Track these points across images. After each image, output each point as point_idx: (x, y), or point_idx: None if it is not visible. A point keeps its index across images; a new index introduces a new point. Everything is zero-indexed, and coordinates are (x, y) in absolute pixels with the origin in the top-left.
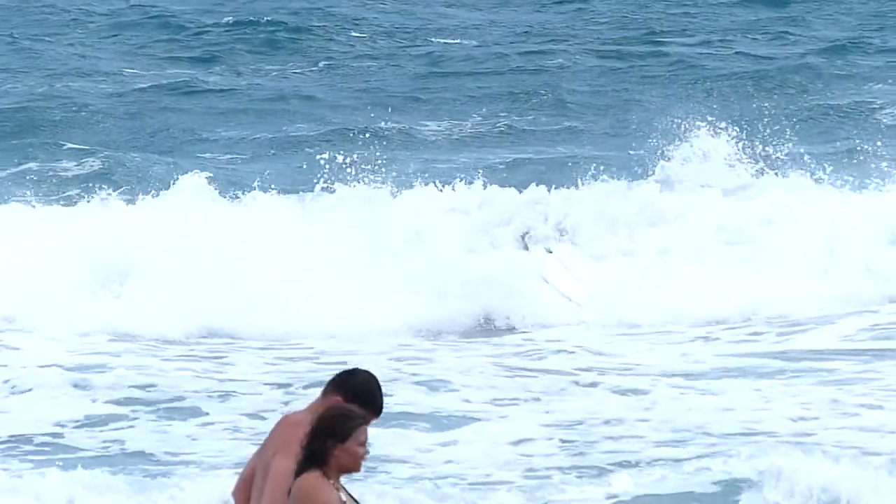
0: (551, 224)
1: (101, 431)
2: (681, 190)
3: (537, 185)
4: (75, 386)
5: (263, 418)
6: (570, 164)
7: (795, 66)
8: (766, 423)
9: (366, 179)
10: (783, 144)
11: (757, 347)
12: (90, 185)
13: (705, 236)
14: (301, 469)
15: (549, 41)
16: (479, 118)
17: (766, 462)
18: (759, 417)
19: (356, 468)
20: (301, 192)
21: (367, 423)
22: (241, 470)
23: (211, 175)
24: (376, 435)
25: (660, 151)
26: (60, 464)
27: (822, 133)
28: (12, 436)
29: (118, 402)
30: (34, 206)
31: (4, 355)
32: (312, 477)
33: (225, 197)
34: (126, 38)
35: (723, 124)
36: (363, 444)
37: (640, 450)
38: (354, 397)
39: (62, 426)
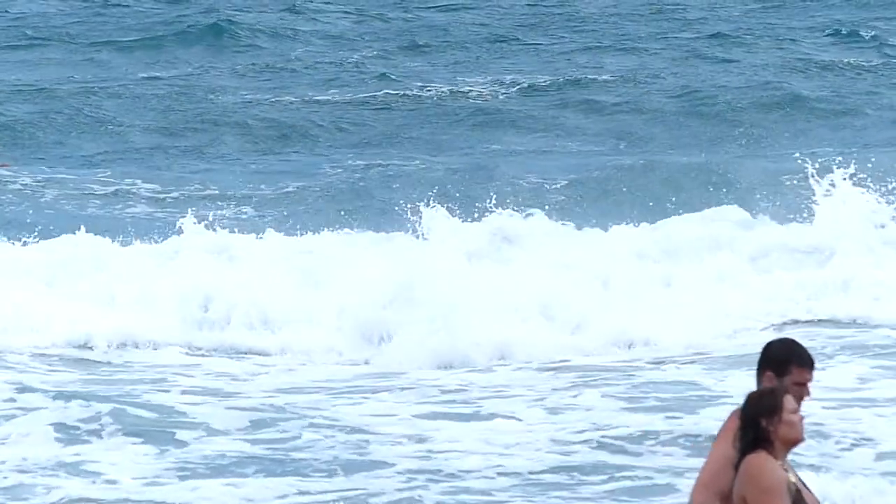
0: None
1: None
2: None
3: None
4: None
5: None
6: None
7: None
8: None
9: None
10: None
11: None
12: None
13: None
14: (743, 455)
15: None
16: None
17: None
18: None
19: (799, 435)
20: None
21: (804, 379)
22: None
23: None
24: None
25: None
26: None
27: None
28: None
29: None
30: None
31: None
32: (759, 456)
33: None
34: None
35: None
36: (796, 410)
37: None
38: (780, 363)
39: None
